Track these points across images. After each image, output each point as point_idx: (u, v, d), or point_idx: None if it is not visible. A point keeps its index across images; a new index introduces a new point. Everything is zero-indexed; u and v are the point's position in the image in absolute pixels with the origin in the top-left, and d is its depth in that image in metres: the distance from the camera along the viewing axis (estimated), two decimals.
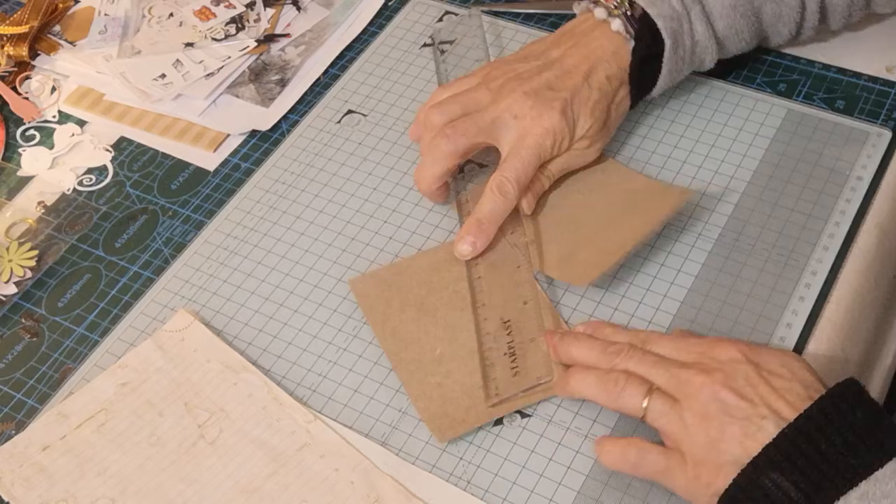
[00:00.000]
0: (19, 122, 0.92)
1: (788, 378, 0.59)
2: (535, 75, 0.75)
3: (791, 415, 0.57)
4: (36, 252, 0.81)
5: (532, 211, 0.75)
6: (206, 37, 0.94)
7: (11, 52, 0.95)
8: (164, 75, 0.91)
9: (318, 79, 0.91)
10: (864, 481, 0.54)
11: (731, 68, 0.84)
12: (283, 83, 0.90)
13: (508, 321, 0.70)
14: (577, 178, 0.78)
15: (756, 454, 0.56)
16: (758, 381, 0.59)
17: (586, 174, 0.78)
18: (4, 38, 0.96)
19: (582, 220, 0.75)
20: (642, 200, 0.76)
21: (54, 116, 0.92)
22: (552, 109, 0.73)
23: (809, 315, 0.69)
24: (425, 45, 0.91)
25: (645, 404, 0.61)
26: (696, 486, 0.59)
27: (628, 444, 0.61)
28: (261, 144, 0.86)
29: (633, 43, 0.75)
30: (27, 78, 0.95)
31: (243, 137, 0.87)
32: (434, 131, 0.75)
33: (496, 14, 0.93)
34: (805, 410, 0.57)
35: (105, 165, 0.88)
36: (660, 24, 0.75)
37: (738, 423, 0.58)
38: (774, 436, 0.56)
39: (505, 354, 0.68)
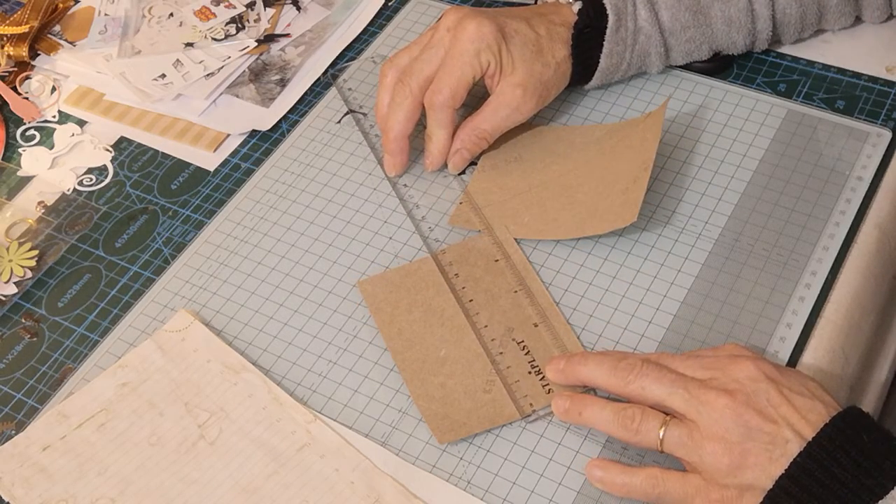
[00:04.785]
0: (19, 122, 0.92)
1: (809, 397, 0.58)
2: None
3: (813, 436, 0.57)
4: (36, 252, 0.81)
5: (460, 169, 0.80)
6: (206, 37, 0.94)
7: (11, 52, 0.95)
8: (164, 75, 0.91)
9: (318, 79, 0.91)
10: (880, 501, 0.54)
11: (731, 68, 0.84)
12: (283, 83, 0.90)
13: (522, 341, 0.70)
14: (548, 153, 0.80)
15: (773, 486, 0.56)
16: (780, 401, 0.58)
17: (555, 147, 0.80)
18: (4, 38, 0.96)
19: (581, 180, 0.76)
20: (624, 139, 0.77)
21: (54, 116, 0.92)
22: (481, 18, 0.75)
23: (809, 315, 0.69)
24: None
25: (661, 435, 0.60)
26: None
27: (647, 475, 0.60)
28: (261, 144, 0.86)
29: (579, 5, 0.78)
30: (27, 78, 0.95)
31: (243, 137, 0.87)
32: (387, 83, 0.78)
33: None
34: (815, 437, 0.56)
35: (105, 165, 0.88)
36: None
37: (762, 447, 0.57)
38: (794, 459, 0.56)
39: (530, 373, 0.68)
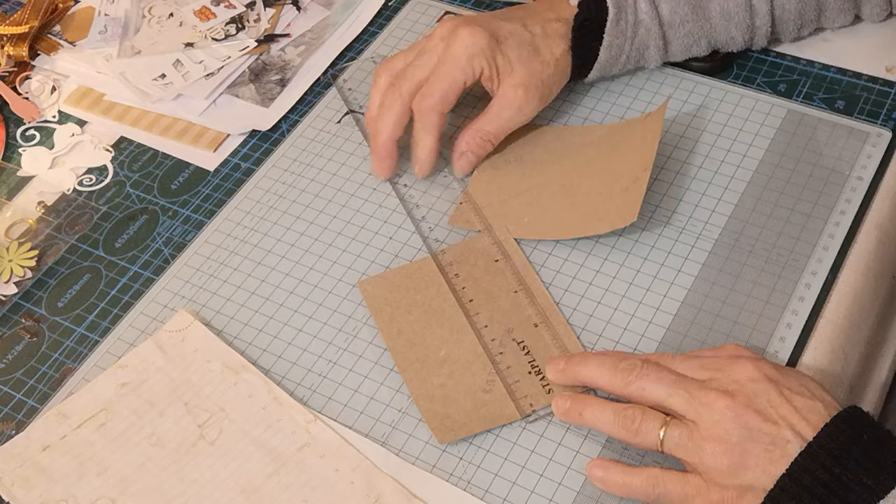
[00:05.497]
0: (19, 122, 0.92)
1: (809, 397, 0.58)
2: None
3: (813, 436, 0.57)
4: (36, 252, 0.81)
5: (467, 172, 0.80)
6: (206, 37, 0.94)
7: (11, 52, 0.95)
8: (164, 75, 0.91)
9: (318, 79, 0.91)
10: (881, 501, 0.54)
11: (731, 68, 0.84)
12: (283, 83, 0.90)
13: (522, 341, 0.70)
14: (549, 153, 0.80)
15: (774, 486, 0.56)
16: (780, 402, 0.58)
17: (556, 147, 0.80)
18: (4, 38, 0.96)
19: (581, 180, 0.76)
20: (624, 139, 0.77)
21: (54, 116, 0.92)
22: (474, 26, 0.76)
23: (809, 315, 0.69)
24: None
25: (661, 435, 0.60)
26: None
27: (648, 475, 0.60)
28: (261, 144, 0.86)
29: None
30: (27, 78, 0.95)
31: (243, 137, 0.87)
32: (380, 86, 0.79)
33: None
34: (816, 437, 0.56)
35: (105, 165, 0.88)
36: None
37: (762, 447, 0.57)
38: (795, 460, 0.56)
39: (530, 373, 0.68)
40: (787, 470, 0.56)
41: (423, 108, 0.76)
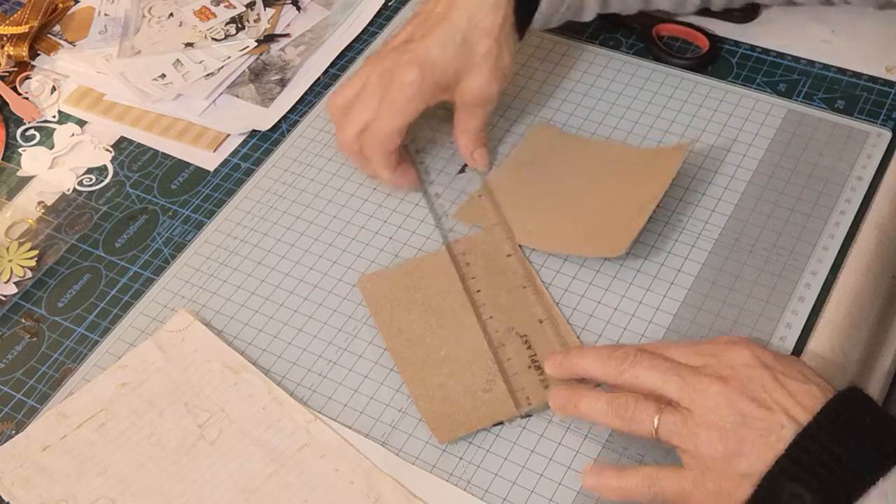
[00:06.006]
0: (19, 122, 0.92)
1: (804, 381, 0.58)
2: (400, 36, 0.78)
3: (808, 420, 0.56)
4: (36, 252, 0.81)
5: (487, 165, 0.80)
6: (206, 37, 0.94)
7: (11, 52, 0.95)
8: (164, 75, 0.91)
9: (318, 79, 0.91)
10: (881, 480, 0.54)
11: (730, 68, 0.85)
12: (283, 83, 0.90)
13: (525, 336, 0.70)
14: (568, 164, 0.79)
15: (771, 467, 0.56)
16: (774, 387, 0.58)
17: (576, 159, 0.80)
18: (4, 38, 0.96)
19: (591, 199, 0.76)
20: (642, 168, 0.77)
21: (54, 116, 0.92)
22: (408, 66, 0.75)
23: (809, 315, 0.69)
24: None
25: (656, 423, 0.60)
26: (716, 500, 0.58)
27: (643, 475, 0.60)
28: (261, 144, 0.86)
29: None
30: (27, 78, 0.95)
31: (243, 137, 0.87)
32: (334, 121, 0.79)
33: None
34: (815, 417, 0.56)
35: (105, 165, 0.88)
36: None
37: (757, 433, 0.57)
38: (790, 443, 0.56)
39: (529, 368, 0.68)
40: (785, 450, 0.56)
41: (371, 150, 0.77)
